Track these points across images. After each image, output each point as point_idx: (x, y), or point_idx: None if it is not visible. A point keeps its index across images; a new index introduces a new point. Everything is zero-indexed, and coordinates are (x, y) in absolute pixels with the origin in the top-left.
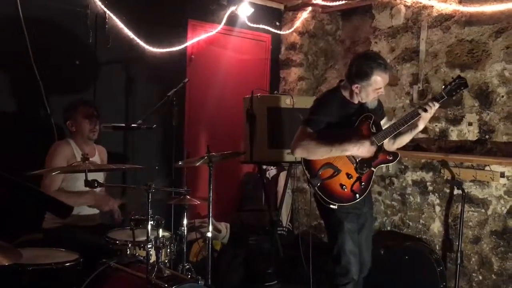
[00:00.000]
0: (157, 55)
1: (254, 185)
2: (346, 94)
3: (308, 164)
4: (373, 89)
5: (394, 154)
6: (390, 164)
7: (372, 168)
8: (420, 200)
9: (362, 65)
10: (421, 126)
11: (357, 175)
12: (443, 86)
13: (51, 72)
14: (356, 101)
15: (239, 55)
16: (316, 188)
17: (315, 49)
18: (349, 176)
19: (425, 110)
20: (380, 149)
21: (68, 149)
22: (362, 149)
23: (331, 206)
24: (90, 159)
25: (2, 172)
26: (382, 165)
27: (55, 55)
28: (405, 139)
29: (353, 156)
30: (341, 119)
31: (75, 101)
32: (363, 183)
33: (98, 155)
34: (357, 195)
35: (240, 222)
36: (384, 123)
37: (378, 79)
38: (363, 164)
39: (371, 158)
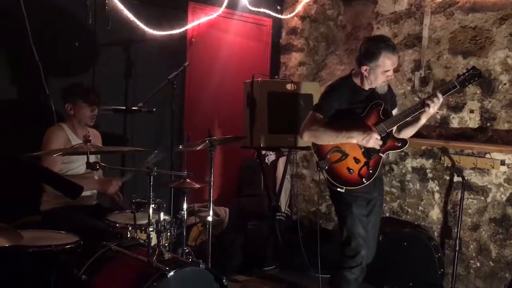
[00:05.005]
0: (157, 37)
1: (253, 171)
2: (357, 80)
3: (317, 147)
4: (382, 71)
5: (403, 141)
6: (398, 150)
7: (380, 154)
8: (420, 187)
9: (371, 46)
10: (423, 120)
11: (365, 159)
12: (456, 76)
13: (50, 54)
14: (367, 87)
15: (240, 39)
16: (324, 171)
17: (316, 34)
18: (356, 160)
19: (429, 105)
20: (389, 135)
21: (62, 134)
22: (367, 140)
23: (338, 189)
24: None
25: (5, 154)
26: (390, 151)
27: (54, 36)
28: (409, 132)
29: None
30: (351, 106)
31: (77, 85)
32: (370, 168)
33: (92, 139)
34: (364, 179)
35: (239, 207)
36: (395, 113)
37: (386, 61)
38: (370, 149)
39: None
